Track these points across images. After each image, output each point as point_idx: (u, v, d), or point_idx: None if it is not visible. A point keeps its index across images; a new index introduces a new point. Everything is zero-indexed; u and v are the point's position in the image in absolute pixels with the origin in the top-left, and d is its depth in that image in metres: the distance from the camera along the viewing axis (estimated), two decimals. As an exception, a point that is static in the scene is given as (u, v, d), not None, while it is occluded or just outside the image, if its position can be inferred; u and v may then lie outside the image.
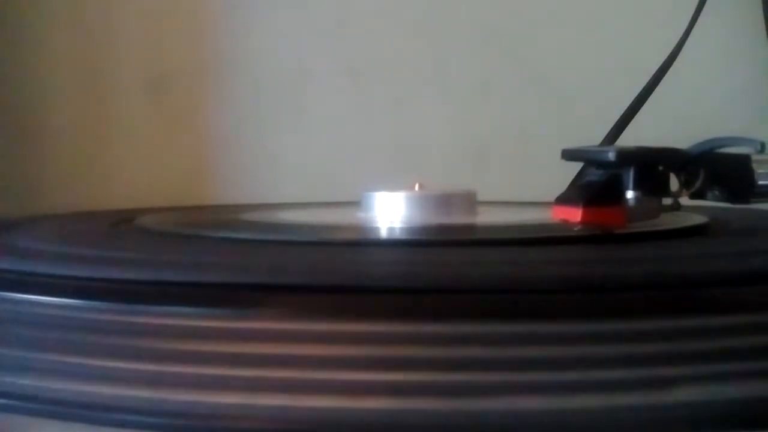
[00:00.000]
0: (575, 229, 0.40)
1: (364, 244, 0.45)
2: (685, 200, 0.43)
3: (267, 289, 0.31)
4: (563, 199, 0.41)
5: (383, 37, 0.75)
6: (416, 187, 0.53)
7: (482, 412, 0.28)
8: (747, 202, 0.44)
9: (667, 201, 0.43)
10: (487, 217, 0.53)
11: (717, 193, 0.43)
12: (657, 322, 0.29)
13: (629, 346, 0.29)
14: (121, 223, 0.53)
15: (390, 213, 0.51)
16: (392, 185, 0.52)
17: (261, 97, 0.76)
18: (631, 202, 0.41)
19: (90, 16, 0.77)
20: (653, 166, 0.41)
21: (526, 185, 0.62)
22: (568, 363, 0.28)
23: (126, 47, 0.77)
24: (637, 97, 0.57)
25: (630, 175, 0.41)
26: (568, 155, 0.43)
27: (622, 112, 0.56)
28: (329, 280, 0.32)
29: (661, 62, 0.58)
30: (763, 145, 0.40)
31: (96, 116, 0.77)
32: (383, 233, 0.49)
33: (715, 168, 0.43)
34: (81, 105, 0.77)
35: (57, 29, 0.77)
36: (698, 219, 0.47)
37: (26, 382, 0.31)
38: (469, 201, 0.53)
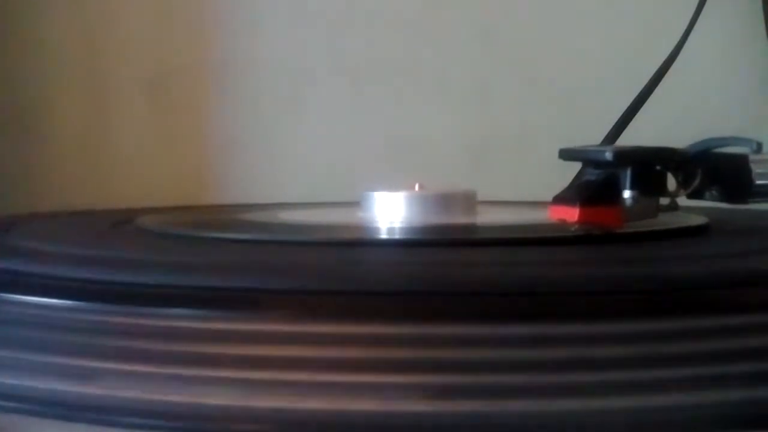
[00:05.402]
0: (572, 228, 0.40)
1: (364, 244, 0.45)
2: (683, 200, 0.43)
3: (267, 292, 0.31)
4: (560, 199, 0.41)
5: (383, 38, 0.75)
6: (416, 187, 0.53)
7: (483, 413, 0.28)
8: (745, 201, 0.44)
9: (664, 201, 0.43)
10: (486, 217, 0.53)
11: (714, 192, 0.43)
12: (655, 322, 0.29)
13: (627, 347, 0.29)
14: (121, 223, 0.53)
15: (390, 213, 0.51)
16: (392, 185, 0.52)
17: (261, 97, 0.76)
18: (629, 202, 0.41)
19: (91, 16, 0.77)
20: (650, 166, 0.41)
21: (525, 185, 0.61)
22: (567, 363, 0.28)
23: (126, 47, 0.77)
24: (637, 97, 0.57)
25: (627, 175, 0.41)
26: (566, 155, 0.43)
27: (622, 112, 0.56)
28: (329, 282, 0.32)
29: (661, 62, 0.58)
30: (759, 144, 0.40)
31: (96, 116, 0.77)
32: (383, 233, 0.49)
33: (712, 168, 0.43)
34: (81, 105, 0.77)
35: (58, 30, 0.77)
36: (696, 219, 0.47)
37: (26, 383, 0.31)
38: (469, 201, 0.53)
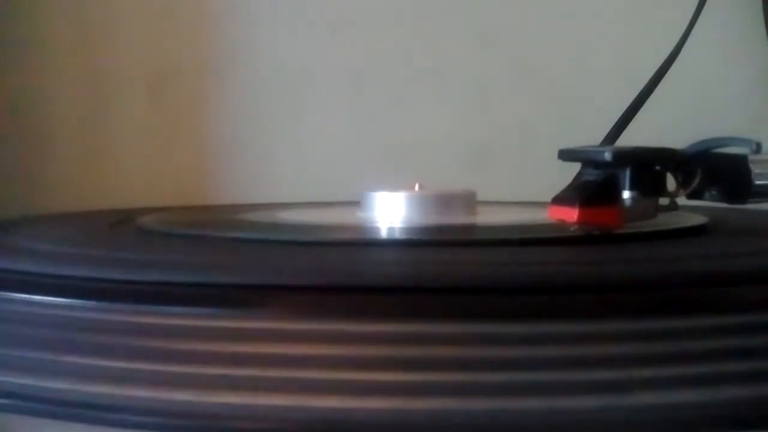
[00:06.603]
0: (572, 229, 0.40)
1: (364, 244, 0.45)
2: (682, 200, 0.43)
3: (267, 290, 0.31)
4: (559, 200, 0.41)
5: (383, 37, 0.75)
6: (416, 187, 0.53)
7: (481, 412, 0.28)
8: (744, 202, 0.44)
9: (664, 201, 0.43)
10: (486, 217, 0.53)
11: (714, 193, 0.43)
12: (655, 321, 0.29)
13: (627, 347, 0.29)
14: (121, 223, 0.53)
15: (390, 213, 0.51)
16: (392, 185, 0.52)
17: (261, 97, 0.76)
18: (628, 202, 0.41)
19: (91, 15, 0.77)
20: (650, 166, 0.41)
21: (526, 185, 0.61)
22: (566, 363, 0.28)
23: (127, 47, 0.77)
24: (637, 97, 0.56)
25: (627, 175, 0.41)
26: (565, 155, 0.43)
27: (622, 112, 0.56)
28: (328, 281, 0.32)
29: (661, 62, 0.58)
30: (758, 145, 0.40)
31: (96, 116, 0.77)
32: (383, 233, 0.49)
33: (712, 168, 0.43)
34: (81, 105, 0.77)
35: (58, 29, 0.77)
36: (696, 219, 0.47)
37: (26, 382, 0.31)
38: (469, 201, 0.53)
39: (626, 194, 0.41)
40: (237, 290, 0.31)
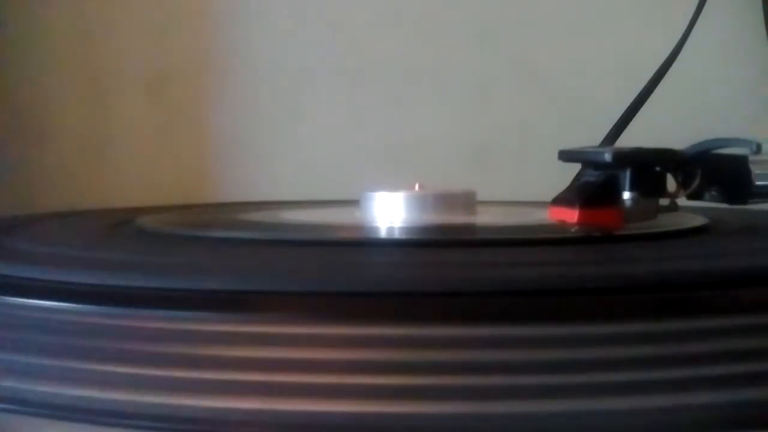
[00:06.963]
0: (572, 230, 0.40)
1: (364, 244, 0.45)
2: (683, 201, 0.43)
3: (267, 294, 0.31)
4: (560, 200, 0.41)
5: (383, 37, 0.75)
6: (416, 187, 0.53)
7: (482, 415, 0.28)
8: (744, 202, 0.44)
9: (664, 202, 0.43)
10: (486, 217, 0.53)
11: (714, 193, 0.44)
12: (655, 323, 0.29)
13: (627, 349, 0.29)
14: (121, 224, 0.53)
15: (390, 213, 0.51)
16: (392, 185, 0.52)
17: (261, 97, 0.76)
18: (628, 203, 0.41)
19: (90, 16, 0.77)
20: (650, 167, 0.41)
21: (526, 185, 0.62)
22: (566, 365, 0.28)
23: (126, 47, 0.77)
24: (637, 97, 0.57)
25: (627, 176, 0.41)
26: (565, 156, 0.43)
27: (622, 112, 0.56)
28: (329, 283, 0.32)
29: (661, 62, 0.58)
30: (759, 145, 0.40)
31: (96, 116, 0.77)
32: (383, 233, 0.49)
33: (712, 169, 0.43)
34: (81, 105, 0.77)
35: (58, 29, 0.77)
36: (696, 220, 0.47)
37: (25, 386, 0.31)
38: (469, 201, 0.53)
39: (626, 195, 0.41)
40: (236, 295, 0.31)
